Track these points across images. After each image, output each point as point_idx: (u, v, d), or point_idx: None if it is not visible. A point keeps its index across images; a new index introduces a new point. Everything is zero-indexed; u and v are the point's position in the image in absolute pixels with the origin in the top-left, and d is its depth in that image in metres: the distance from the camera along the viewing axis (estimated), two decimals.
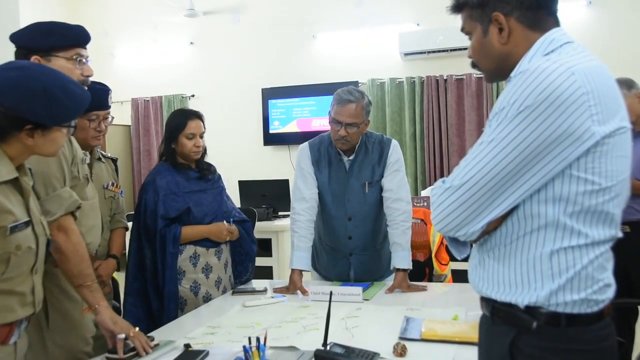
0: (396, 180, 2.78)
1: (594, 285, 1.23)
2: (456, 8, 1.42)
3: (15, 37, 2.04)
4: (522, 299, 1.25)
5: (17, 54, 2.03)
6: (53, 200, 1.92)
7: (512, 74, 1.30)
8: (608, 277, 1.27)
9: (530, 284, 1.25)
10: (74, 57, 2.04)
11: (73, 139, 2.13)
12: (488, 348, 1.37)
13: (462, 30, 1.43)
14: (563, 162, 1.18)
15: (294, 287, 2.70)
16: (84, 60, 2.07)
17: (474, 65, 1.46)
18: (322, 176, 2.81)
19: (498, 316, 1.31)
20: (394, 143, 2.83)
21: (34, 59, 1.96)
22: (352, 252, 2.85)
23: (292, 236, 2.81)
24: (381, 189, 2.80)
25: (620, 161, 1.24)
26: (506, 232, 1.28)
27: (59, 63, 1.99)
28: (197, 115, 2.81)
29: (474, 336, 1.77)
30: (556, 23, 1.35)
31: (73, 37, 2.06)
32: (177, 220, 2.71)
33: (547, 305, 1.23)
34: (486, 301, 1.34)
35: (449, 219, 1.28)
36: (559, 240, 1.22)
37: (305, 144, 2.90)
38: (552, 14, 1.35)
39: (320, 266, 2.98)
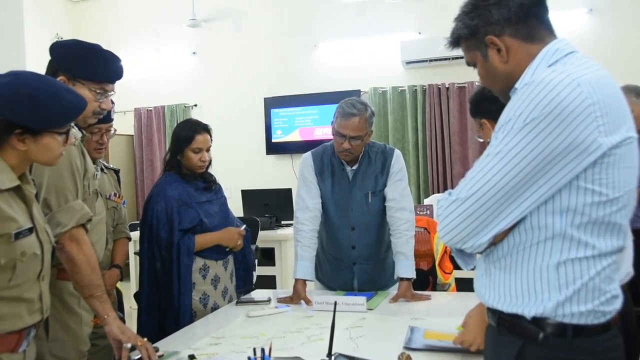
0: (399, 190, 2.78)
1: (601, 297, 1.23)
2: (453, 44, 1.45)
3: (53, 50, 2.07)
4: (528, 310, 1.25)
5: (48, 66, 2.07)
6: (65, 212, 1.94)
7: (517, 85, 1.30)
8: (615, 288, 1.27)
9: (537, 295, 1.24)
10: (98, 90, 2.07)
11: (86, 153, 2.15)
12: (494, 358, 1.36)
13: (467, 64, 1.45)
14: (570, 174, 1.19)
15: (297, 297, 2.69)
16: (106, 94, 2.11)
17: (489, 91, 1.49)
18: (325, 186, 2.81)
19: (504, 326, 1.31)
20: (397, 153, 2.84)
21: (60, 78, 2.00)
22: (356, 262, 2.84)
23: (295, 246, 2.80)
24: (384, 199, 2.80)
25: (628, 172, 1.24)
26: (513, 243, 1.28)
27: (81, 90, 2.02)
28: (206, 129, 2.79)
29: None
30: (551, 32, 1.36)
31: (105, 74, 2.09)
32: (190, 230, 2.71)
33: (553, 316, 1.23)
34: (492, 311, 1.34)
35: (455, 231, 1.27)
36: (566, 251, 1.22)
37: (309, 154, 2.90)
38: (544, 22, 1.36)
39: (324, 276, 2.97)
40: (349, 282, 2.88)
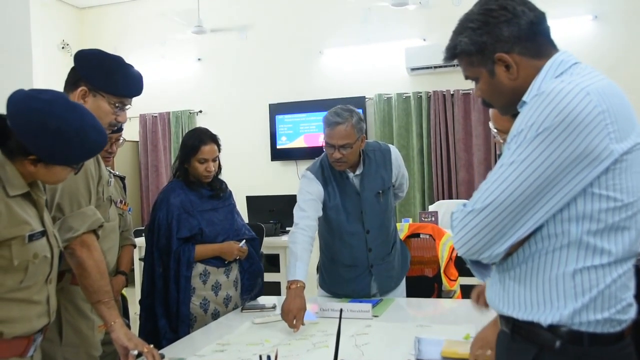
0: (405, 180, 2.97)
1: (617, 305, 1.23)
2: (451, 58, 1.44)
3: (78, 59, 2.08)
4: (545, 318, 1.25)
5: (71, 74, 2.08)
6: (77, 217, 1.97)
7: (525, 99, 1.31)
8: (630, 296, 1.28)
9: (552, 303, 1.25)
10: (117, 104, 2.08)
11: (101, 160, 2.17)
12: None
13: (466, 77, 1.45)
14: (584, 181, 1.20)
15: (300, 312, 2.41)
16: (124, 108, 2.12)
17: (485, 103, 1.49)
18: (334, 199, 2.76)
19: (519, 334, 1.30)
20: (393, 148, 2.88)
21: (81, 89, 2.01)
22: (373, 264, 2.81)
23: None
24: (391, 195, 2.85)
25: (639, 177, 1.25)
26: (529, 252, 1.28)
27: (101, 103, 2.03)
28: (213, 139, 2.80)
29: None
30: (554, 46, 1.37)
31: (126, 89, 2.10)
32: (191, 239, 2.73)
33: (570, 324, 1.23)
34: (506, 319, 1.34)
35: (472, 242, 1.27)
36: (582, 259, 1.23)
37: (308, 173, 2.79)
38: (548, 37, 1.36)
39: (337, 285, 2.90)
40: (366, 287, 2.83)
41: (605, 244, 1.22)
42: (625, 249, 1.24)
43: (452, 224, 1.33)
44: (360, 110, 6.90)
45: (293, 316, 2.33)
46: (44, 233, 1.70)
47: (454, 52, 1.41)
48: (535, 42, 1.33)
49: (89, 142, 1.68)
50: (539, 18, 1.34)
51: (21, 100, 1.61)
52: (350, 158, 2.67)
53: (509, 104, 1.40)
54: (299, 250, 2.57)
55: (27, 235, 1.63)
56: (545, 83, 1.28)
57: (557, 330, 1.24)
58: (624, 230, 1.24)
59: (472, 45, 1.36)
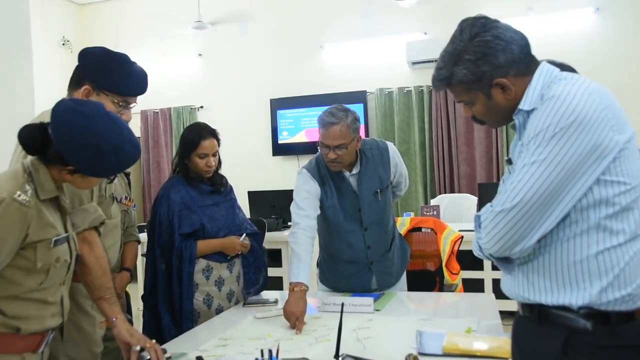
0: (404, 178, 2.94)
1: (637, 280, 1.34)
2: (446, 87, 1.55)
3: (81, 58, 2.08)
4: (575, 300, 1.35)
5: (75, 72, 2.09)
6: (79, 214, 1.98)
7: (522, 107, 1.43)
8: None
9: (579, 285, 1.36)
10: (121, 103, 2.09)
11: None
12: (535, 348, 1.43)
13: (459, 102, 1.56)
14: (597, 171, 1.33)
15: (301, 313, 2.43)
16: (128, 106, 2.12)
17: (476, 120, 1.59)
18: (331, 199, 2.75)
19: (547, 319, 1.40)
20: (391, 145, 2.85)
21: (85, 88, 2.03)
22: (373, 261, 2.81)
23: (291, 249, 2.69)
24: (389, 193, 2.84)
25: (638, 162, 1.38)
26: (550, 240, 1.39)
27: (105, 101, 2.03)
28: (212, 134, 2.79)
29: (502, 351, 1.78)
30: (536, 59, 1.49)
31: (129, 89, 2.11)
32: (193, 235, 2.73)
33: (598, 304, 1.33)
34: (529, 306, 1.44)
35: (504, 239, 1.38)
36: (602, 241, 1.35)
37: (305, 171, 2.77)
38: (531, 53, 1.48)
39: (338, 281, 2.91)
40: (366, 283, 2.83)
41: (619, 225, 1.35)
42: (637, 227, 1.36)
43: (482, 225, 1.43)
44: (361, 105, 6.95)
45: (296, 318, 2.34)
46: (67, 238, 1.76)
47: (450, 82, 1.52)
48: (526, 61, 1.46)
49: (125, 156, 1.74)
50: (525, 40, 1.47)
51: (64, 113, 1.67)
52: (345, 158, 2.64)
53: (504, 119, 1.53)
54: (302, 251, 2.57)
55: (53, 239, 1.68)
56: (537, 91, 1.42)
57: (586, 312, 1.34)
58: (633, 211, 1.36)
59: (471, 75, 1.46)
